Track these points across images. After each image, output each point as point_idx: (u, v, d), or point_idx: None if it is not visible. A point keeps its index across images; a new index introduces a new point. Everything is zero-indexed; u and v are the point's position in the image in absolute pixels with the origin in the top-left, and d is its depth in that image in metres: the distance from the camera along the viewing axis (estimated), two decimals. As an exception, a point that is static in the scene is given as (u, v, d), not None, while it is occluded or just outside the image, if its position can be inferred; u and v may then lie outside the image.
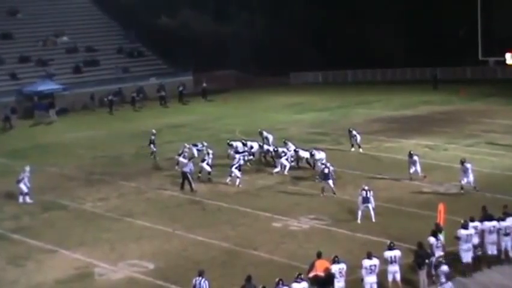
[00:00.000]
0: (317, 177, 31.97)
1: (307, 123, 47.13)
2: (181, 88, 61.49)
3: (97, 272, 23.52)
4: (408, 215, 27.70)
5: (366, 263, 20.13)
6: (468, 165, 30.25)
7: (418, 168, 32.22)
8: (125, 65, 66.04)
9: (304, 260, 21.93)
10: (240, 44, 70.10)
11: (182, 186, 32.75)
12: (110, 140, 45.29)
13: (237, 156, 34.63)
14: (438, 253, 21.42)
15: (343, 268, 19.90)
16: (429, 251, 21.31)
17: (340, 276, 19.80)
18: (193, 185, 32.62)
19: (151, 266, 23.75)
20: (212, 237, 26.22)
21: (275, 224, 27.44)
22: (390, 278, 20.64)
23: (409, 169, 32.36)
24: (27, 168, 33.09)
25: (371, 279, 20.06)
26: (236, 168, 33.07)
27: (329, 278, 19.80)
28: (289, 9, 70.65)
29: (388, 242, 21.23)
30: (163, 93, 60.22)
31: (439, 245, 21.53)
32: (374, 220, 26.90)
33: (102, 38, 68.98)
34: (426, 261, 20.88)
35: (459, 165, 30.64)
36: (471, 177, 30.10)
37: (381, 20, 67.41)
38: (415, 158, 32.43)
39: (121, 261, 24.20)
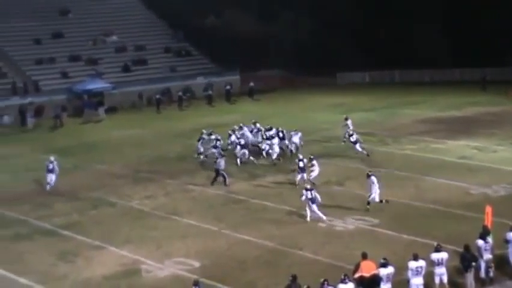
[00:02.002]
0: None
1: (354, 124, 46.77)
2: (228, 87, 61.68)
3: (143, 269, 23.70)
4: (454, 217, 27.34)
5: (413, 264, 19.89)
6: (373, 179, 28.57)
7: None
8: (172, 64, 66.51)
9: (350, 260, 21.80)
10: (285, 43, 70.07)
11: (213, 182, 33.25)
12: (156, 139, 45.57)
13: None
14: (487, 256, 21.12)
15: (391, 273, 19.65)
16: (476, 253, 20.99)
17: (387, 281, 19.57)
18: (227, 180, 33.02)
19: (197, 264, 23.83)
20: (257, 236, 26.23)
21: (320, 224, 27.31)
22: (437, 280, 20.39)
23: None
24: (52, 158, 34.49)
25: (417, 281, 19.82)
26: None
27: (375, 279, 19.63)
28: (334, 9, 70.26)
29: (434, 243, 20.96)
30: (210, 92, 60.44)
31: (488, 247, 21.19)
32: (324, 218, 27.25)
33: (150, 37, 69.58)
34: (473, 264, 20.57)
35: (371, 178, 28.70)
36: (373, 191, 28.31)
37: (429, 20, 66.66)
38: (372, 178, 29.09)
39: (167, 259, 24.33)
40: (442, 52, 65.73)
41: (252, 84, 62.68)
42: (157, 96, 58.50)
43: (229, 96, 61.22)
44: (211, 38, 68.79)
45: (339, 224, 27.13)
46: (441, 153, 37.85)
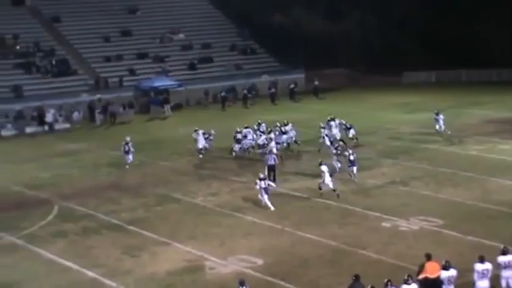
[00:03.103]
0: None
1: (419, 123, 46.23)
2: (292, 86, 61.64)
3: (207, 265, 23.83)
4: (522, 219, 26.78)
5: (479, 267, 19.49)
6: (324, 168, 30.55)
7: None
8: (238, 62, 66.78)
9: (414, 261, 21.50)
10: (352, 42, 69.63)
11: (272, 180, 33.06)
12: (221, 136, 45.66)
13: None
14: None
15: (452, 276, 19.25)
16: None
17: (448, 284, 19.20)
18: (276, 179, 33.05)
19: (260, 262, 23.85)
20: (320, 235, 26.12)
21: (384, 224, 27.07)
22: (503, 283, 19.94)
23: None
24: (128, 139, 38.35)
25: (483, 284, 19.40)
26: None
27: (440, 281, 19.31)
28: (401, 8, 69.57)
29: (501, 246, 20.50)
30: (273, 91, 60.50)
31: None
32: (272, 208, 29.10)
33: (216, 35, 70.01)
34: (541, 267, 20.06)
35: None
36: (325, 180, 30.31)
37: (496, 19, 65.37)
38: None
39: (231, 256, 24.40)
40: (510, 51, 64.34)
41: (316, 82, 62.54)
42: (222, 94, 58.87)
43: (293, 95, 61.18)
44: (277, 37, 68.78)
45: (404, 224, 26.83)
46: (508, 154, 37.05)
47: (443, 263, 19.49)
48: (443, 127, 42.40)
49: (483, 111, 50.15)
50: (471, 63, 64.84)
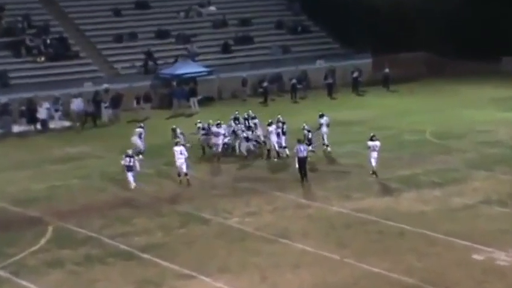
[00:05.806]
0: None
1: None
2: (355, 74, 61.62)
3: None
4: None
5: None
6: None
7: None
8: (285, 43, 66.88)
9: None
10: (432, 20, 69.12)
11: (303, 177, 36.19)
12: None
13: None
14: None
15: None
16: None
17: None
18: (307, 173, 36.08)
19: (312, 303, 23.87)
20: (391, 269, 26.00)
21: (476, 256, 26.89)
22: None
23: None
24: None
25: None
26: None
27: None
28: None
29: None
30: (330, 81, 60.49)
31: None
32: (133, 186, 35.80)
33: (258, 8, 70.40)
34: None
35: None
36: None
37: None
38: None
39: (274, 294, 24.45)
40: None
41: (387, 70, 62.49)
42: (265, 84, 59.02)
43: (356, 86, 61.12)
44: (335, 11, 68.59)
45: (502, 257, 26.62)
46: None
47: None
48: None
49: None
50: None
